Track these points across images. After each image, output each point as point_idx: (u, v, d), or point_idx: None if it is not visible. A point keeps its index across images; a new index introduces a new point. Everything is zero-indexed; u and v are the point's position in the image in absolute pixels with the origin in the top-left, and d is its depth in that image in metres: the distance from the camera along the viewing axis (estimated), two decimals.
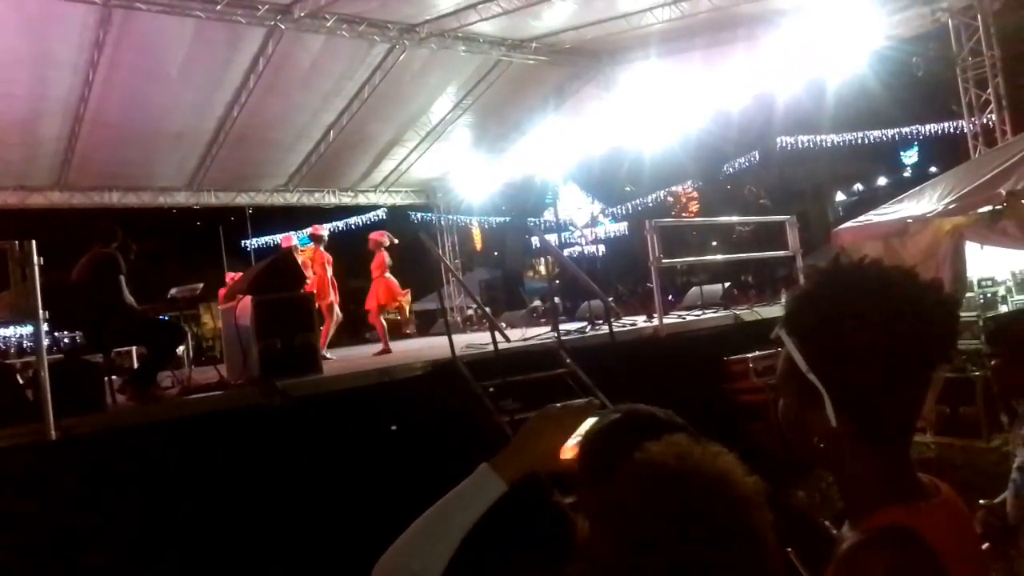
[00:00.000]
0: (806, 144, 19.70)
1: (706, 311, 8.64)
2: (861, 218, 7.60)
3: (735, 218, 10.08)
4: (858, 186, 31.37)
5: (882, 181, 30.03)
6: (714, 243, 16.70)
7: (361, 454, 4.70)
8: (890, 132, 19.28)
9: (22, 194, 12.30)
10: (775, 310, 8.17)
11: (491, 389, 5.11)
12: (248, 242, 22.48)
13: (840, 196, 31.68)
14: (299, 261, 9.34)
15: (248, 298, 5.36)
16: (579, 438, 1.40)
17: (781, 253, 8.95)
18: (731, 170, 20.22)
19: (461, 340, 7.45)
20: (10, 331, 16.67)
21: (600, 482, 1.14)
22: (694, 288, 11.23)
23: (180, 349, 12.01)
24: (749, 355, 6.89)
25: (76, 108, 10.43)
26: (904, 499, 1.03)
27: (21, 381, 4.39)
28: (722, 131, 15.23)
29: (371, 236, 10.21)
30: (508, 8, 9.66)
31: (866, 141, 19.06)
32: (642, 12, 10.27)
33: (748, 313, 7.94)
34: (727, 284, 10.67)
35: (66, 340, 5.13)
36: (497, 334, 5.73)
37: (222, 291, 8.86)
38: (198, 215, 21.79)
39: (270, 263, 5.69)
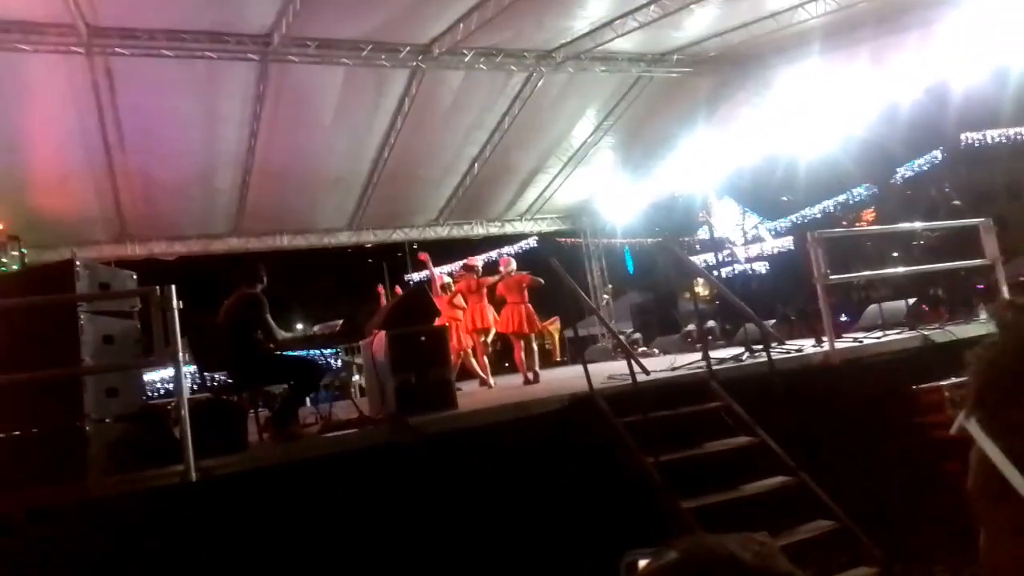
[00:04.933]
0: (996, 139, 17.39)
1: (887, 332, 7.59)
2: None
3: (917, 224, 8.85)
4: None
5: None
6: (895, 254, 15.04)
7: (494, 494, 4.44)
8: None
9: (205, 241, 13.47)
10: (973, 328, 7.02)
11: (631, 426, 4.68)
12: (409, 276, 23.46)
13: None
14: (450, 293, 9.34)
15: (383, 333, 5.34)
16: None
17: (977, 262, 7.72)
18: (910, 173, 18.33)
19: (608, 368, 7.05)
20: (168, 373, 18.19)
21: None
22: (872, 306, 10.01)
23: (355, 379, 12.50)
24: (943, 383, 5.89)
25: (245, 159, 11.28)
26: None
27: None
28: (895, 130, 13.77)
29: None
30: (645, 21, 9.26)
31: None
32: (792, 9, 9.47)
33: (940, 333, 6.86)
34: (912, 300, 9.39)
35: (218, 380, 5.38)
36: (637, 366, 5.27)
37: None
38: (368, 253, 22.96)
39: (403, 298, 5.67)
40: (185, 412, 3.86)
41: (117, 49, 8.29)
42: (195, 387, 13.91)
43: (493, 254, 17.25)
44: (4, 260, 10.98)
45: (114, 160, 10.38)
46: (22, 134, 9.50)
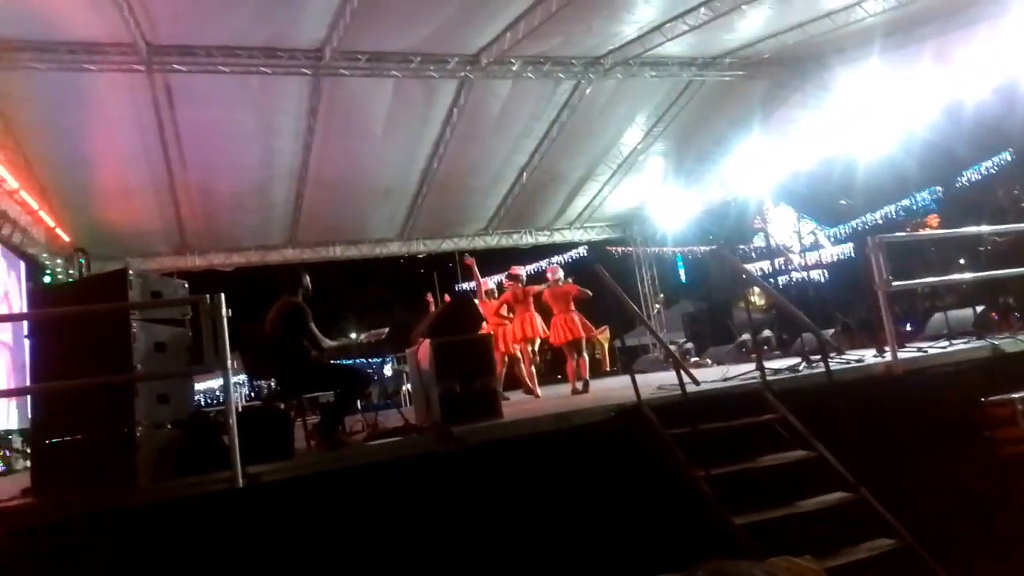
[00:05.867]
0: None
1: (954, 342, 7.23)
2: None
3: (984, 228, 8.44)
4: None
5: None
6: (961, 260, 14.41)
7: (539, 505, 4.36)
8: None
9: (262, 252, 13.81)
10: None
11: (681, 438, 4.54)
12: (460, 285, 23.61)
13: None
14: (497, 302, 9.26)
15: (428, 341, 5.34)
16: None
17: None
18: (976, 176, 17.53)
19: (659, 379, 6.91)
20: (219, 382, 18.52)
21: None
22: (937, 315, 9.57)
23: (406, 388, 12.52)
24: (1016, 395, 5.57)
25: (299, 172, 11.52)
26: None
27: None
28: (960, 131, 13.18)
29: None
30: (695, 24, 9.11)
31: None
32: (850, 8, 9.18)
33: (1010, 343, 6.48)
34: (981, 308, 8.94)
35: (271, 387, 5.46)
36: (687, 376, 5.13)
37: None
38: (421, 262, 23.15)
39: (447, 306, 5.67)
40: (233, 419, 3.90)
41: (175, 66, 8.56)
42: (252, 395, 14.15)
43: (543, 263, 17.20)
44: (71, 272, 11.47)
45: (175, 174, 10.73)
46: (89, 151, 9.91)
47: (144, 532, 3.69)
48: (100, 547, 3.61)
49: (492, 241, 15.14)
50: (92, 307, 4.01)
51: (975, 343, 6.76)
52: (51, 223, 10.88)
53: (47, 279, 11.06)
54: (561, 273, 9.06)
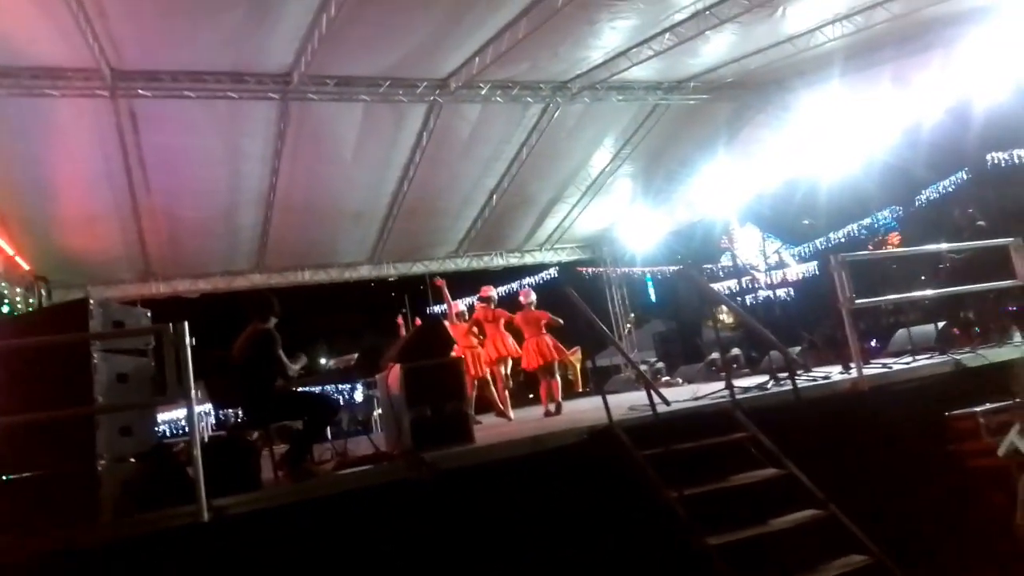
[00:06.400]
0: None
1: (917, 357, 7.38)
2: None
3: (943, 245, 8.68)
4: None
5: None
6: (922, 277, 14.78)
7: (512, 531, 4.32)
8: None
9: (228, 278, 13.58)
10: (1007, 351, 6.80)
11: (653, 459, 4.55)
12: (431, 308, 23.50)
13: None
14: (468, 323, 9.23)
15: (398, 366, 5.29)
16: None
17: (1007, 283, 7.50)
18: (935, 195, 18.07)
19: (631, 399, 6.92)
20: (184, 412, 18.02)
21: None
22: (900, 331, 9.76)
23: (377, 414, 12.36)
24: (977, 409, 5.70)
25: (267, 196, 11.40)
26: None
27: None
28: (918, 152, 13.58)
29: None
30: (660, 50, 9.28)
31: None
32: (810, 33, 9.43)
33: (971, 357, 6.64)
34: (942, 324, 9.14)
35: (237, 416, 5.34)
36: (657, 396, 5.14)
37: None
38: (391, 286, 23.00)
39: (418, 330, 5.64)
40: (197, 451, 3.82)
41: (140, 91, 8.46)
42: (217, 424, 13.83)
43: (514, 284, 17.21)
44: (31, 301, 11.17)
45: (139, 200, 10.55)
46: (50, 177, 9.70)
47: (107, 571, 3.58)
48: None
49: (463, 263, 15.11)
50: (51, 338, 3.90)
51: (938, 358, 6.90)
52: (10, 251, 10.60)
53: (5, 308, 10.76)
54: (534, 296, 9.10)
